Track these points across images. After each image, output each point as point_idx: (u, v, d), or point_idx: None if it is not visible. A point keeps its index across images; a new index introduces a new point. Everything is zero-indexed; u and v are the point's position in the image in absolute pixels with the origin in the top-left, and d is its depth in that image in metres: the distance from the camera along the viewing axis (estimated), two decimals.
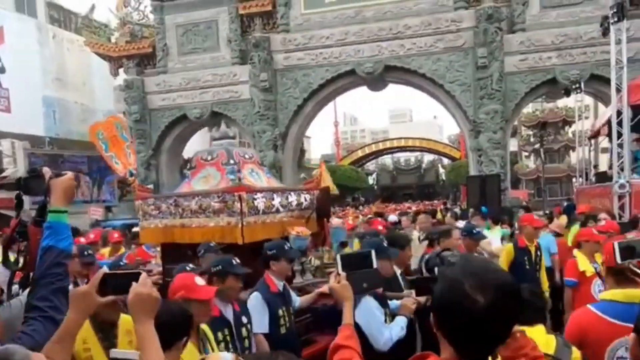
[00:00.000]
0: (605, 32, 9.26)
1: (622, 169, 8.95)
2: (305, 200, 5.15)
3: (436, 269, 4.22)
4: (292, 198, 4.97)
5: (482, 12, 15.38)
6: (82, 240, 7.16)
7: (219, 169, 4.68)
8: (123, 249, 7.34)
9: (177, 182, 21.54)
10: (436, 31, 16.18)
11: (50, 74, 24.35)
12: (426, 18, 16.24)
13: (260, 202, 4.47)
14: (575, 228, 7.28)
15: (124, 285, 1.61)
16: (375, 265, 2.15)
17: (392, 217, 12.24)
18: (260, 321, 3.50)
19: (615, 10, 8.64)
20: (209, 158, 4.79)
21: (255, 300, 3.56)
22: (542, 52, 15.51)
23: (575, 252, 4.94)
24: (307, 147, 31.34)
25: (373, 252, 2.16)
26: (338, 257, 2.15)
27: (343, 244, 6.74)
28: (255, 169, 4.97)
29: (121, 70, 19.19)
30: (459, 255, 3.24)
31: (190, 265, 3.36)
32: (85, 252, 4.57)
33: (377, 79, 17.51)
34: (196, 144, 31.53)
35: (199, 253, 4.11)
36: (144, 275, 1.65)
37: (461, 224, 7.09)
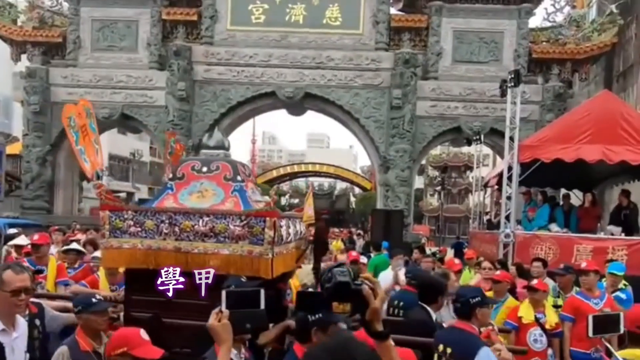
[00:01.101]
0: (503, 94, 10.05)
1: (508, 219, 9.61)
2: (301, 229, 4.55)
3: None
4: (299, 227, 4.35)
5: (400, 56, 16.19)
6: None
7: (221, 184, 3.91)
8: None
9: (74, 182, 20.34)
10: (357, 67, 16.74)
11: None
12: (348, 53, 16.76)
13: (284, 230, 3.81)
14: (466, 274, 7.67)
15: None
16: (262, 305, 1.99)
17: None
18: None
19: (512, 76, 9.46)
20: (205, 170, 3.95)
21: None
22: (451, 102, 16.59)
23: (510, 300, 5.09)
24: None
25: (262, 291, 2.01)
26: (223, 293, 1.98)
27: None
28: (255, 188, 4.23)
29: (24, 57, 17.76)
30: (347, 272, 3.05)
31: None
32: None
33: (297, 104, 17.70)
34: (104, 145, 29.99)
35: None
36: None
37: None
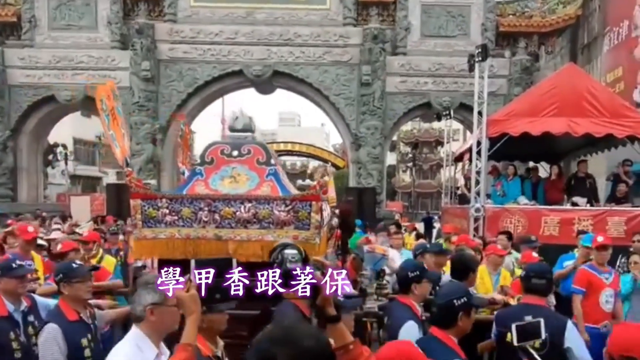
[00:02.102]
0: (471, 68, 10.03)
1: (478, 194, 9.72)
2: (329, 212, 4.40)
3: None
4: (328, 209, 4.19)
5: (368, 32, 16.02)
6: None
7: (254, 168, 3.74)
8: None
9: (38, 168, 19.65)
10: (325, 43, 16.51)
11: None
12: (316, 29, 16.49)
13: (325, 213, 3.67)
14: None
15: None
16: None
17: None
18: None
19: (479, 50, 9.44)
20: (235, 154, 3.76)
21: None
22: (420, 77, 16.58)
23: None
24: (191, 143, 30.20)
25: (234, 260, 1.92)
26: (192, 262, 1.90)
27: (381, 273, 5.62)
28: (283, 171, 4.04)
29: None
30: (297, 255, 2.87)
31: None
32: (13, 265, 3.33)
33: (266, 83, 17.41)
34: (68, 128, 29.04)
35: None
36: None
37: None
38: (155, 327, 2.17)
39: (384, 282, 4.52)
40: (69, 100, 16.85)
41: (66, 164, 25.63)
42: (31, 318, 3.23)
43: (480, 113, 9.65)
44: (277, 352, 1.15)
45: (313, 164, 52.80)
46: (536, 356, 2.38)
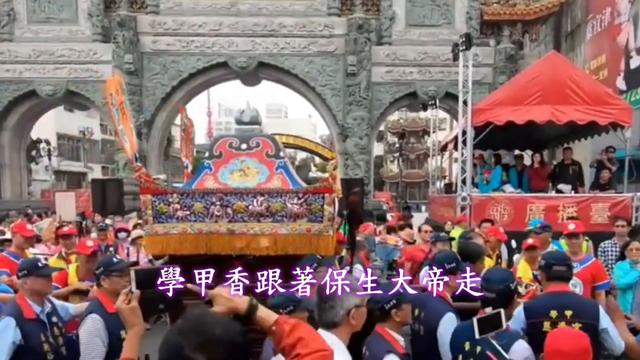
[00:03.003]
0: (455, 58, 10.05)
1: (464, 183, 9.76)
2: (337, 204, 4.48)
3: None
4: (337, 201, 4.29)
5: (353, 22, 15.95)
6: None
7: (264, 161, 3.72)
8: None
9: (21, 164, 19.37)
10: (310, 34, 16.40)
11: None
12: (301, 20, 16.37)
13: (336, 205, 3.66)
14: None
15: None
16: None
17: None
18: None
19: (463, 39, 9.44)
20: (244, 147, 3.74)
21: None
22: (406, 67, 16.56)
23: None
24: (177, 136, 30.01)
25: (177, 269, 1.84)
26: (132, 273, 1.80)
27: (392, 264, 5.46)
28: (290, 164, 4.03)
29: None
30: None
31: None
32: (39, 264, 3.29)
33: (251, 74, 17.28)
34: (51, 123, 28.63)
35: (311, 266, 3.24)
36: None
37: None
38: (352, 329, 2.11)
39: (395, 272, 4.56)
40: (51, 95, 16.62)
41: (49, 159, 25.30)
42: (54, 319, 3.20)
43: (465, 102, 9.68)
44: (185, 343, 1.14)
45: (301, 155, 52.79)
46: (504, 354, 2.39)
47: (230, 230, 3.38)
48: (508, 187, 9.85)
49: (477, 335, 2.42)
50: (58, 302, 3.41)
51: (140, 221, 8.57)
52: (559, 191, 9.52)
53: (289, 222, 3.36)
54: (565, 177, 9.72)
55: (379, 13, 16.51)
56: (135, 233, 6.95)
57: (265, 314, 1.59)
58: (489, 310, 2.56)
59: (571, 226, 5.24)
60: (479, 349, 2.54)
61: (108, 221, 9.88)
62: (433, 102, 14.62)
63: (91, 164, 36.85)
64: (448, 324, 2.94)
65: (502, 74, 15.94)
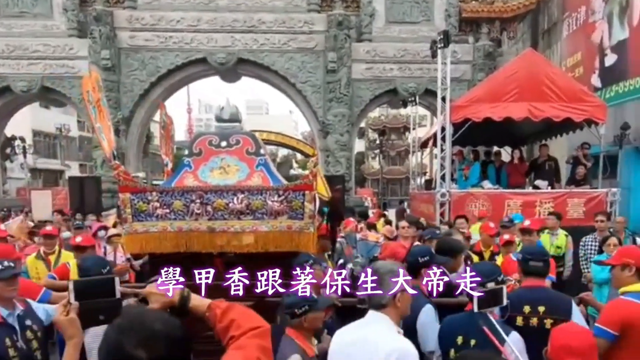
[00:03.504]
0: (434, 55, 10.11)
1: (443, 179, 9.83)
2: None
3: None
4: (317, 199, 4.26)
5: (333, 18, 15.92)
6: None
7: (243, 159, 3.70)
8: None
9: None
10: (289, 30, 16.32)
11: None
12: (280, 16, 16.29)
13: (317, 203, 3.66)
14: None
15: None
16: (117, 294, 1.77)
17: None
18: None
19: (441, 36, 9.50)
20: (224, 144, 3.72)
21: None
22: (386, 64, 16.60)
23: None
24: (156, 132, 29.65)
25: (116, 280, 1.80)
26: (70, 284, 1.76)
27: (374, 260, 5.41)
28: (270, 161, 4.04)
29: None
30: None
31: None
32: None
33: (231, 71, 17.13)
34: (26, 120, 27.97)
35: (307, 263, 3.31)
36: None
37: None
38: (399, 312, 2.28)
39: None
40: (26, 91, 16.26)
41: (25, 157, 24.74)
42: (28, 322, 3.08)
43: (444, 99, 9.74)
44: (125, 340, 1.13)
45: (282, 152, 52.69)
46: (498, 327, 2.40)
47: (211, 228, 3.37)
48: (486, 183, 9.97)
49: (475, 309, 2.44)
50: (37, 304, 3.30)
51: (117, 219, 8.44)
52: (535, 187, 9.66)
53: (270, 220, 3.38)
54: (542, 174, 9.88)
55: (358, 10, 16.51)
56: (111, 231, 6.82)
57: (198, 302, 1.60)
58: (491, 285, 2.58)
59: (527, 222, 5.38)
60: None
61: (87, 222, 9.69)
62: (413, 98, 14.68)
63: (68, 161, 36.18)
64: (428, 315, 3.01)
65: (480, 71, 16.09)
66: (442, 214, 9.33)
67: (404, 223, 6.05)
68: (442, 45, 9.48)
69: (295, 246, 3.39)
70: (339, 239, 6.01)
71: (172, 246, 3.40)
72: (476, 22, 16.74)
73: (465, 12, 16.50)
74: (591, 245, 6.38)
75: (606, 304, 3.27)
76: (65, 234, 7.69)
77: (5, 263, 3.07)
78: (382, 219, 11.20)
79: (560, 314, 2.84)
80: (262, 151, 3.74)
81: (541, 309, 2.89)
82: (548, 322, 2.82)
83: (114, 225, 7.91)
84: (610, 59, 13.85)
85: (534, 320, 2.86)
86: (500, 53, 16.92)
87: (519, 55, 10.60)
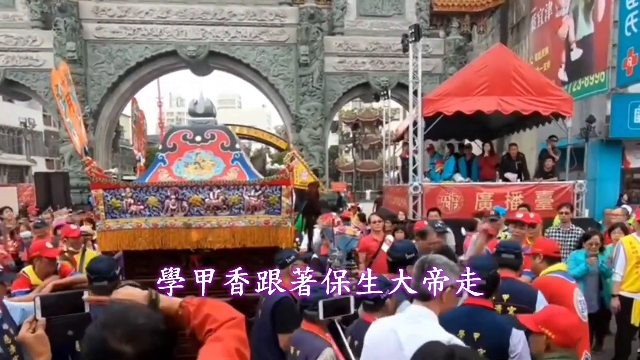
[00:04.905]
0: (405, 49, 10.13)
1: (415, 172, 9.90)
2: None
3: None
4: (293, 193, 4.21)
5: (304, 11, 15.83)
6: None
7: (219, 153, 3.64)
8: None
9: None
10: (261, 23, 16.16)
11: None
12: (251, 8, 16.10)
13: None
14: None
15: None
16: (87, 308, 1.69)
17: None
18: None
19: (412, 30, 9.52)
20: (198, 139, 3.65)
21: None
22: (358, 57, 16.61)
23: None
24: (126, 127, 29.03)
25: (86, 293, 1.75)
26: (37, 300, 1.69)
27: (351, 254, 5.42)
28: (246, 155, 3.98)
29: None
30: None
31: None
32: None
33: (201, 64, 16.87)
34: None
35: (288, 260, 3.34)
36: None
37: None
38: (442, 306, 2.24)
39: (353, 262, 4.61)
40: None
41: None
42: (5, 326, 2.90)
43: (415, 93, 9.78)
44: (107, 335, 1.12)
45: (255, 146, 52.29)
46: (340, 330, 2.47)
47: (187, 224, 3.35)
48: (458, 176, 10.09)
49: (321, 317, 2.45)
50: (12, 304, 3.12)
51: (85, 217, 8.22)
52: (505, 179, 9.83)
53: (247, 215, 3.37)
54: (512, 167, 10.06)
55: (330, 3, 16.46)
56: (83, 229, 6.61)
57: (168, 303, 1.56)
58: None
59: (519, 215, 5.40)
60: (477, 335, 2.58)
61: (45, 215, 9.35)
62: (385, 92, 14.75)
63: (34, 156, 35.10)
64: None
65: (451, 64, 16.25)
66: (414, 207, 9.40)
67: (375, 217, 6.06)
68: (414, 39, 9.51)
69: (273, 241, 3.39)
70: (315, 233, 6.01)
71: (147, 243, 3.35)
72: (447, 16, 16.88)
73: (436, 6, 16.62)
74: (555, 236, 6.41)
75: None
76: (25, 233, 7.44)
77: None
78: (356, 214, 11.26)
79: (524, 303, 2.98)
80: (237, 146, 3.70)
81: (505, 297, 3.03)
82: (511, 310, 2.98)
83: (82, 223, 7.69)
84: (576, 54, 14.17)
85: (498, 307, 3.00)
86: (470, 47, 17.13)
87: (488, 49, 10.73)
